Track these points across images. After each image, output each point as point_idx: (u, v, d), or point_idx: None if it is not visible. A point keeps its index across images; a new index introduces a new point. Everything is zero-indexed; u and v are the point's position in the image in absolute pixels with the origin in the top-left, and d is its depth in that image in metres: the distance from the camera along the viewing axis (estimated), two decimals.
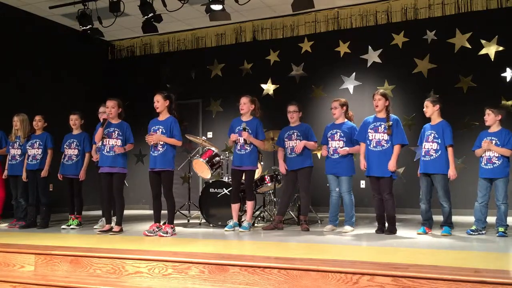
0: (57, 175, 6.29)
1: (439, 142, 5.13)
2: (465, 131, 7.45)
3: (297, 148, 5.69)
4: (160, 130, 5.34)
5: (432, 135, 5.19)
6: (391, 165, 5.16)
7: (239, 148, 5.73)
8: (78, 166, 6.21)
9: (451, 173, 5.06)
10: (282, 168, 5.91)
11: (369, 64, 8.43)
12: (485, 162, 5.17)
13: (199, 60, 9.61)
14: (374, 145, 5.27)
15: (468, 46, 7.79)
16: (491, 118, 5.22)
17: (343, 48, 8.60)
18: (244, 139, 5.67)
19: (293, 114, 5.87)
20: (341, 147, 5.60)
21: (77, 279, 3.79)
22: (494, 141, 5.13)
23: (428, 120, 5.38)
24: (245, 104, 5.82)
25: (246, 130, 5.67)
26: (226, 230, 5.63)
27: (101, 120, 5.66)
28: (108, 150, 5.53)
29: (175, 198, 5.41)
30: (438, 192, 5.14)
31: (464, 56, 7.81)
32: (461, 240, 4.67)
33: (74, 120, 6.28)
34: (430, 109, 5.25)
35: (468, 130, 7.46)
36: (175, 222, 5.46)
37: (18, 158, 6.56)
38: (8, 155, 6.66)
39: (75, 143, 6.23)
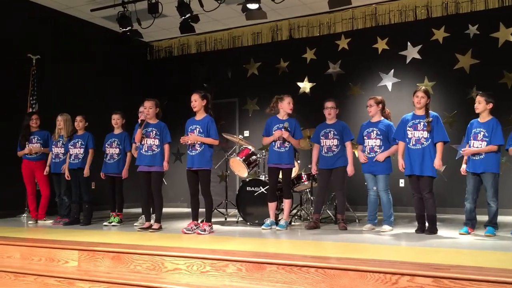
0: (100, 173, 6.46)
1: (488, 140, 4.96)
2: (509, 128, 7.18)
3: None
4: (197, 129, 5.39)
5: (482, 133, 5.00)
6: (437, 163, 5.02)
7: (278, 146, 5.70)
8: (120, 165, 6.36)
9: None
10: (314, 168, 5.89)
11: (408, 61, 8.25)
12: None
13: (236, 59, 9.66)
14: (414, 143, 5.15)
15: None
16: None
17: (381, 45, 8.46)
18: (283, 138, 5.66)
19: (330, 110, 5.81)
20: (378, 146, 5.52)
21: (118, 275, 3.89)
22: None
23: (474, 116, 5.20)
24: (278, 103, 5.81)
25: (287, 130, 5.63)
26: (263, 229, 5.63)
27: (139, 121, 5.77)
28: (146, 149, 5.63)
29: (213, 196, 5.45)
30: (487, 192, 4.96)
31: (508, 50, 7.52)
32: (505, 241, 4.51)
33: (116, 119, 6.43)
34: (483, 105, 5.04)
35: None
36: (212, 220, 5.50)
37: (61, 157, 6.73)
38: (51, 154, 6.87)
39: (116, 142, 6.39)
